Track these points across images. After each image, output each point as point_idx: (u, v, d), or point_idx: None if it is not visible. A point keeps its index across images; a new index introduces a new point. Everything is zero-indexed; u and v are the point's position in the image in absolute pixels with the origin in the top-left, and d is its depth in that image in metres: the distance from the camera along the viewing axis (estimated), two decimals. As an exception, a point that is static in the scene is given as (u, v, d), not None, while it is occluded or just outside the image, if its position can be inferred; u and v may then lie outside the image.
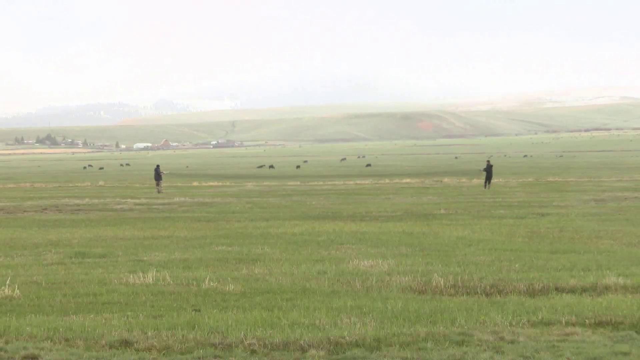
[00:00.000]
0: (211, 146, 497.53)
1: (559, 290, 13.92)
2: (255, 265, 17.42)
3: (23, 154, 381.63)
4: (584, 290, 13.93)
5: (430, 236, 23.73)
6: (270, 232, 25.56)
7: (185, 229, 27.04)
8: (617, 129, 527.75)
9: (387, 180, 71.68)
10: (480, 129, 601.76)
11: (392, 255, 18.80)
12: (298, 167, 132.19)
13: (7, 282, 14.17)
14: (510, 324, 10.96)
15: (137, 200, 45.46)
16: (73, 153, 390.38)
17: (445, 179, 70.87)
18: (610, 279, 14.60)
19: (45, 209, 39.27)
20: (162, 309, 12.40)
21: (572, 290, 13.89)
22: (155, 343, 9.92)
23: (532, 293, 13.65)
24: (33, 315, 11.95)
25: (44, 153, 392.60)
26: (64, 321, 11.44)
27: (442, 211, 34.35)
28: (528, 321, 11.15)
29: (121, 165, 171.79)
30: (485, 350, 9.58)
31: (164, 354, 9.54)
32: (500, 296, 13.45)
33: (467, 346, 9.78)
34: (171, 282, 15.08)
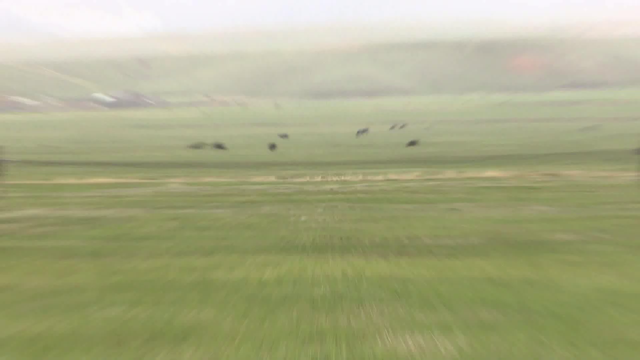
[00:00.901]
0: (101, 105, 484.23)
1: None
2: (184, 348, 13.72)
3: None
4: None
5: (541, 287, 19.54)
6: (214, 278, 20.98)
7: (41, 273, 22.26)
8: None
9: (450, 173, 65.60)
10: (636, 70, 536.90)
11: (464, 327, 15.33)
12: (273, 146, 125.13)
13: None
14: None
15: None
16: None
17: (567, 171, 65.20)
18: None
19: None
20: None
21: None
22: None
23: None
24: None
25: None
26: None
27: (563, 236, 29.15)
28: None
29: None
30: None
31: None
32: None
33: None
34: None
